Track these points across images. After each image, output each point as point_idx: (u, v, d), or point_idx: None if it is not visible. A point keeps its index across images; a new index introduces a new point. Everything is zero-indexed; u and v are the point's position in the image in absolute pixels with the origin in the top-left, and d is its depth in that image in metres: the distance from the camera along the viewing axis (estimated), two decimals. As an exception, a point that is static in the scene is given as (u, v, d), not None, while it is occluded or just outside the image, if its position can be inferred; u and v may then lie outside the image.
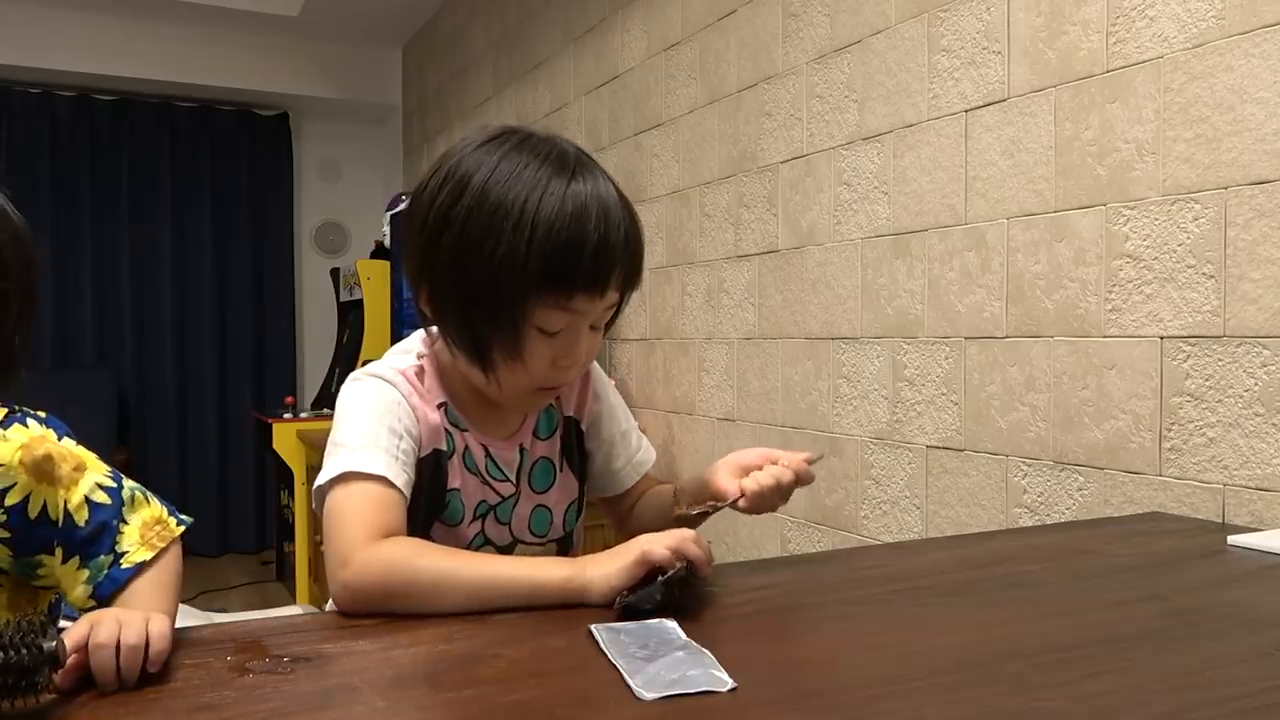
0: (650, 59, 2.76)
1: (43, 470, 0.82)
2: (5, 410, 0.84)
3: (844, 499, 2.02)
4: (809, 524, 2.13)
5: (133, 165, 5.09)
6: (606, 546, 0.89)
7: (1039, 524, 1.58)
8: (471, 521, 1.05)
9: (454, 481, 1.03)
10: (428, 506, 1.01)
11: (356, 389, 1.01)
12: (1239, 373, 1.32)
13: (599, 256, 0.94)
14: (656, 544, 0.85)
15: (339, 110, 5.45)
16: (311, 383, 5.40)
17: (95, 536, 0.83)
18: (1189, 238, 1.38)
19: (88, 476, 0.84)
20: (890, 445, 1.91)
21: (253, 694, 0.67)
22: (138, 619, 0.69)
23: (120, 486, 0.86)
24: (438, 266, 0.97)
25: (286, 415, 4.16)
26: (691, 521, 1.03)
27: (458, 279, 0.96)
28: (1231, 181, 1.33)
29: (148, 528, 0.85)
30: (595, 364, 1.18)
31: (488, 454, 1.06)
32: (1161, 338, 1.41)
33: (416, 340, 1.09)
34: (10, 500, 0.81)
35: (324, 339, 5.23)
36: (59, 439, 0.86)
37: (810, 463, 1.06)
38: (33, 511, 0.81)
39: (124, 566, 0.83)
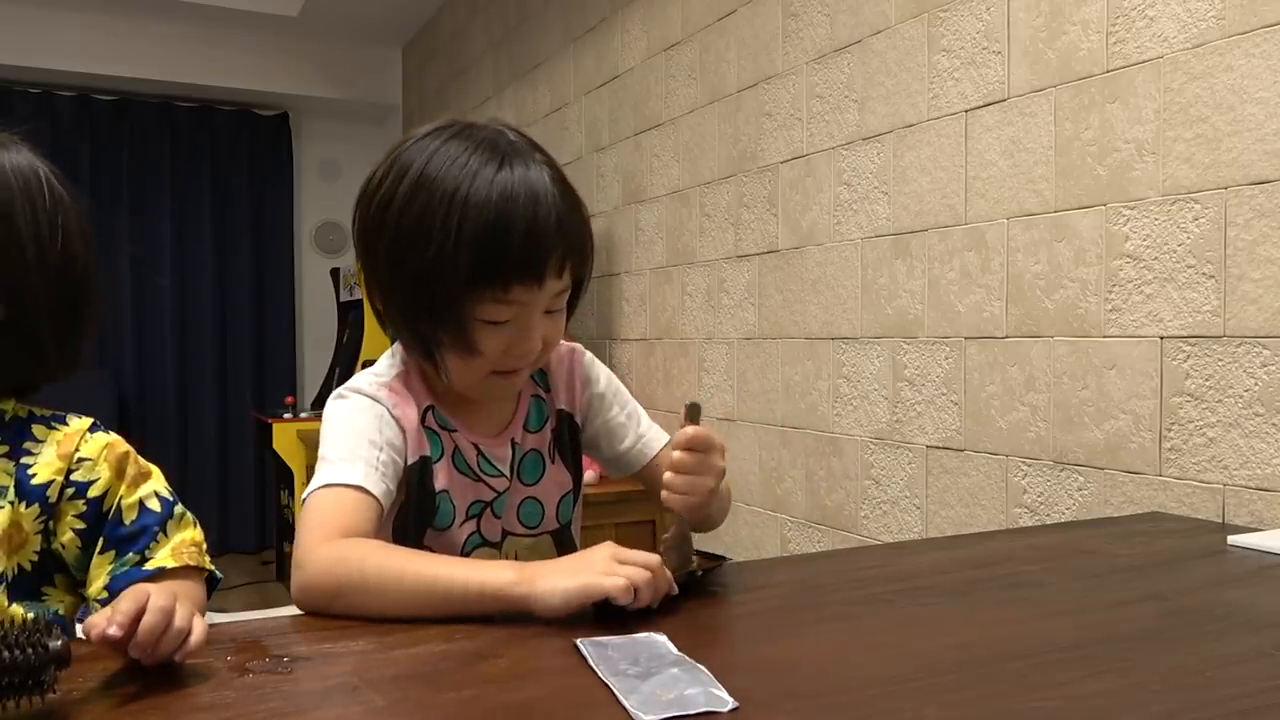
0: (650, 59, 2.76)
1: (120, 467, 0.88)
2: (90, 420, 0.90)
3: (844, 499, 2.02)
4: (809, 524, 2.13)
5: (133, 165, 5.09)
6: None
7: (1039, 524, 1.58)
8: (464, 522, 1.05)
9: (441, 484, 1.03)
10: (418, 512, 1.01)
11: (340, 405, 1.02)
12: (1239, 373, 1.32)
13: (529, 245, 0.93)
14: (612, 574, 0.79)
15: (339, 110, 5.45)
16: (311, 383, 5.40)
17: (134, 536, 0.86)
18: (1189, 238, 1.38)
19: (149, 484, 0.89)
20: (890, 445, 1.91)
21: (253, 694, 0.67)
22: (191, 608, 0.70)
23: (174, 502, 0.90)
24: (380, 269, 0.99)
25: (286, 415, 4.16)
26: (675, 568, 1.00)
27: (397, 279, 0.98)
28: (1231, 181, 1.33)
29: (183, 544, 0.88)
30: (586, 352, 1.18)
31: (479, 451, 1.06)
32: (1161, 338, 1.41)
33: (400, 345, 1.10)
34: (92, 493, 0.86)
35: (324, 339, 5.23)
36: None
37: (690, 419, 0.96)
38: (106, 506, 0.87)
39: (146, 568, 0.85)
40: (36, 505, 0.84)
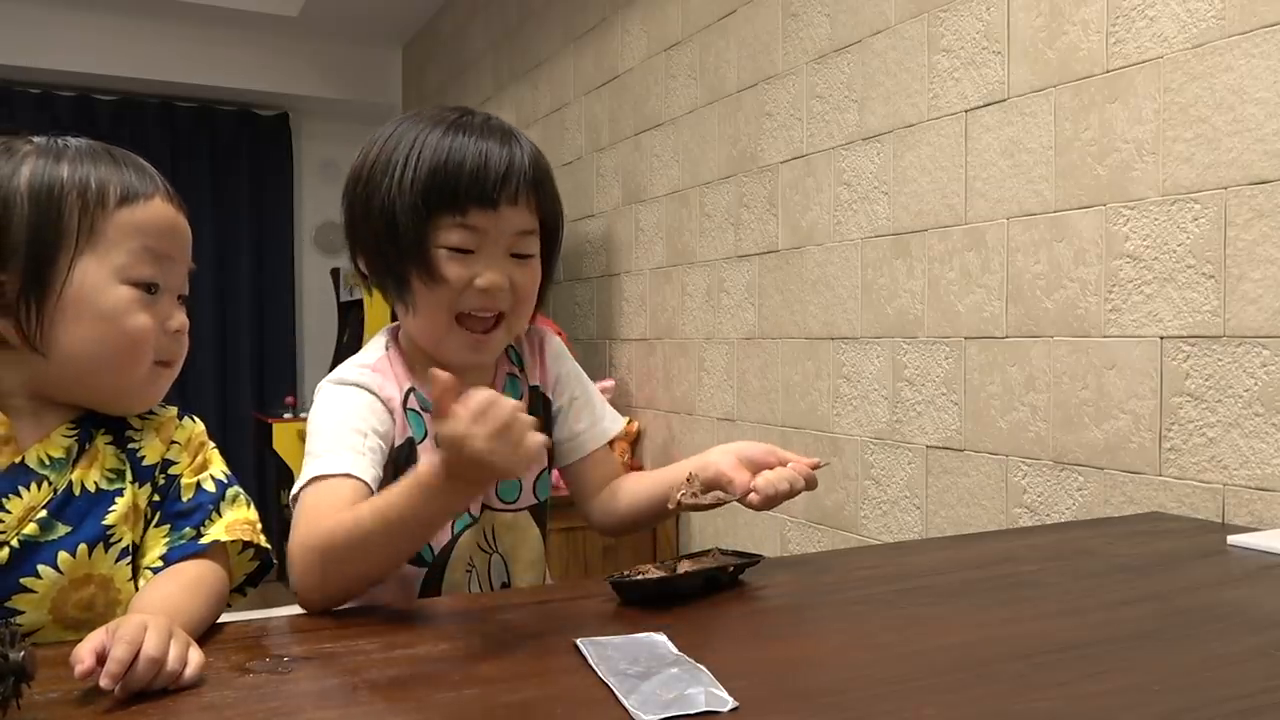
0: (650, 59, 2.76)
1: (195, 454, 0.94)
2: (176, 409, 0.96)
3: (844, 499, 2.02)
4: (809, 524, 2.13)
5: (133, 165, 5.08)
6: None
7: (1039, 524, 1.58)
8: None
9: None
10: None
11: (323, 399, 1.04)
12: (1239, 373, 1.32)
13: (484, 170, 0.99)
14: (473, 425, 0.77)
15: (339, 110, 5.45)
16: (311, 383, 5.36)
17: (189, 513, 0.90)
18: (1189, 238, 1.38)
19: (210, 469, 0.95)
20: (890, 445, 1.91)
21: (253, 694, 0.67)
22: (183, 642, 0.69)
23: (229, 483, 0.95)
24: (357, 221, 1.05)
25: (286, 415, 4.16)
26: (697, 508, 1.03)
27: (368, 222, 1.03)
28: (1231, 181, 1.33)
29: (237, 522, 0.91)
30: (553, 335, 1.21)
31: None
32: (1161, 338, 1.41)
33: (382, 335, 1.13)
34: (172, 471, 0.92)
35: (324, 339, 5.23)
36: None
37: (815, 469, 1.06)
38: (173, 484, 0.91)
39: (201, 542, 0.88)
40: (149, 485, 0.89)
